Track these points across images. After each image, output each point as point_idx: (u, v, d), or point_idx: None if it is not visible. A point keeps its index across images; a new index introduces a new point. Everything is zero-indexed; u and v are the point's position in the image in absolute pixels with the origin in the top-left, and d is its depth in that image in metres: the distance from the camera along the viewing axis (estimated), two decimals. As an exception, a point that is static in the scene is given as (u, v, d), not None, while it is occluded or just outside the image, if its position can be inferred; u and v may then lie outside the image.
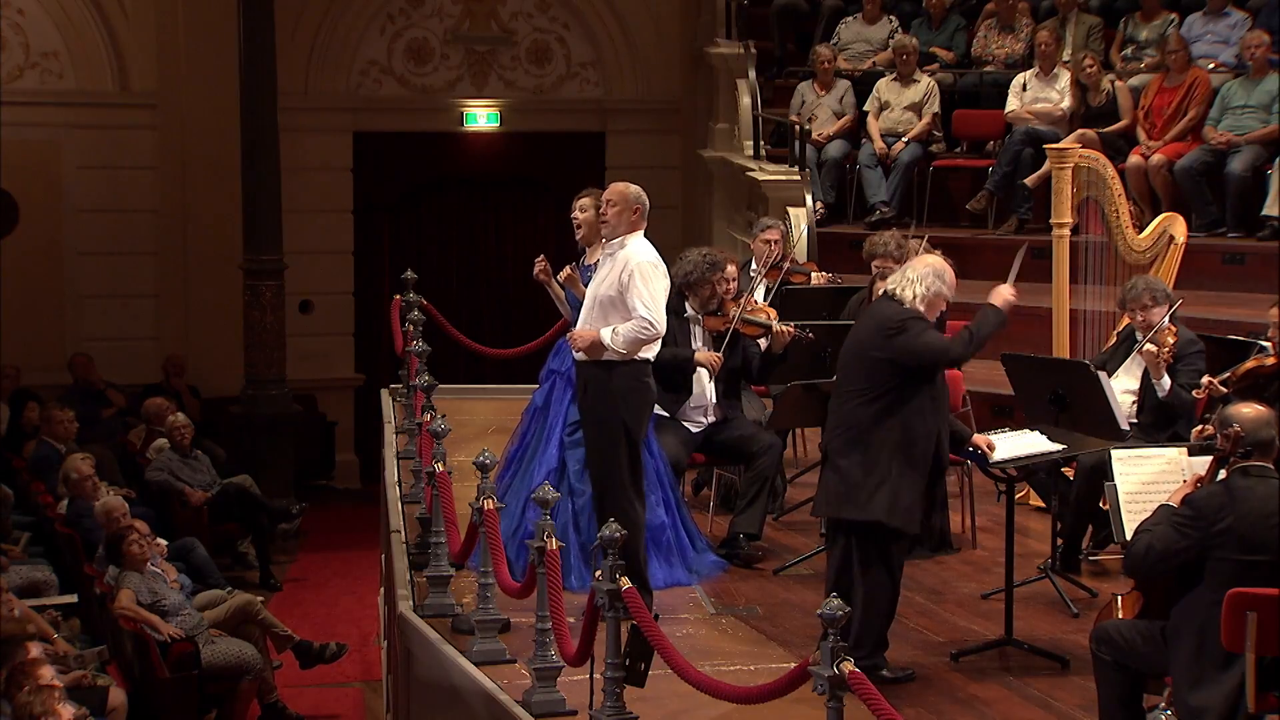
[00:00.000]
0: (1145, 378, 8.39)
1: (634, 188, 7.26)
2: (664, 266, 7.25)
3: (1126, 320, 8.75)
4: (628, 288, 7.05)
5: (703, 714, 6.14)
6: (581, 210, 7.76)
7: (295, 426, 15.09)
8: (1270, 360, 8.13)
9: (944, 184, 13.67)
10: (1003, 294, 7.01)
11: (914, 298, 6.73)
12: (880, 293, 6.97)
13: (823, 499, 6.97)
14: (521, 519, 7.86)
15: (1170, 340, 8.26)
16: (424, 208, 17.01)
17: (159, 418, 13.79)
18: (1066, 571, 8.16)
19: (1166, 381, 8.25)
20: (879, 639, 6.83)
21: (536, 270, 8.05)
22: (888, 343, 6.67)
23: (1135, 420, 8.32)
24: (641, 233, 7.23)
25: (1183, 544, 5.71)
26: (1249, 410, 5.85)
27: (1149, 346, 8.25)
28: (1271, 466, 5.80)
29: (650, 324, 7.03)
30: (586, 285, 7.51)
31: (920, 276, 6.78)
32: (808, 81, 14.19)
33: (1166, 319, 8.36)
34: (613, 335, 7.06)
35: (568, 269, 7.93)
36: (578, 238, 7.87)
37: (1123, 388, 8.36)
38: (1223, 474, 5.85)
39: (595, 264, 7.54)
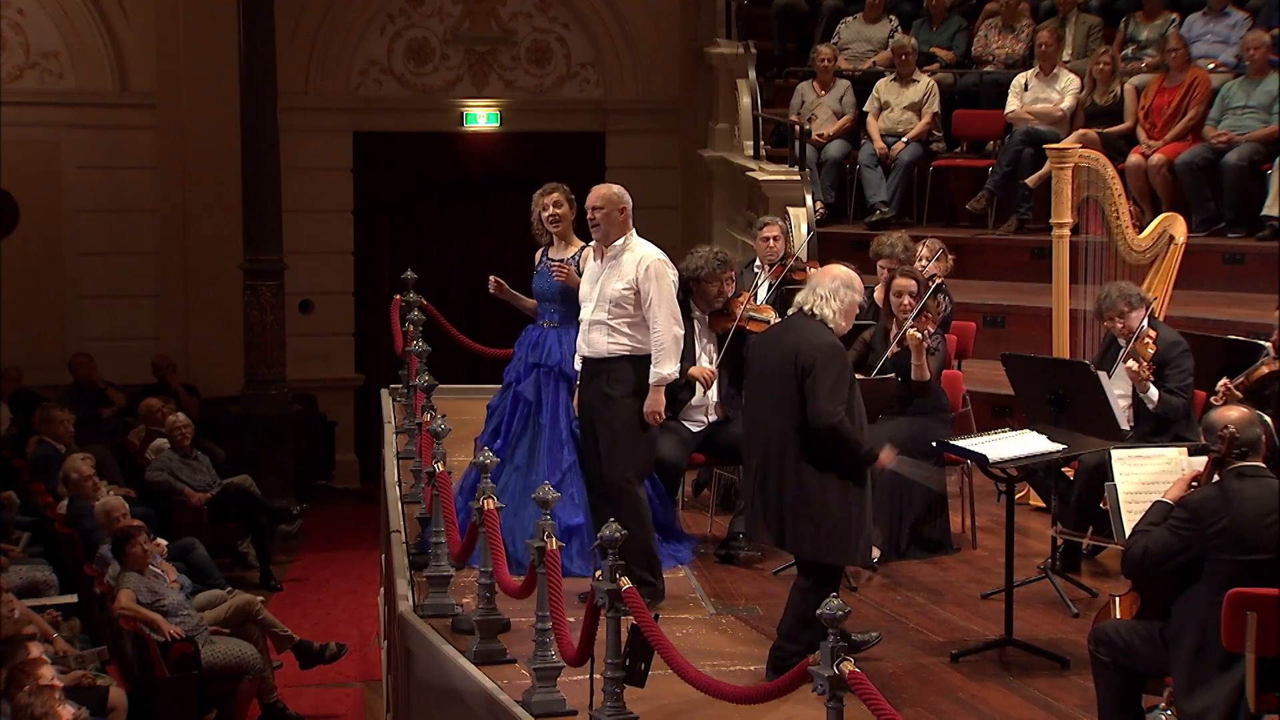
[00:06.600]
0: (1138, 385, 8.36)
1: (615, 188, 7.61)
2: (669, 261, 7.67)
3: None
4: (647, 290, 7.46)
5: (703, 714, 6.14)
6: (556, 205, 8.08)
7: (295, 426, 15.08)
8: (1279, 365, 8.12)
9: (944, 184, 13.67)
10: (885, 458, 6.80)
11: (833, 314, 6.76)
12: (795, 309, 6.91)
13: (788, 531, 6.70)
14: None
15: (1150, 351, 8.20)
16: (424, 208, 16.99)
17: (154, 419, 13.79)
18: (1066, 571, 8.16)
19: (1154, 393, 8.21)
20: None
21: (493, 289, 8.49)
22: (805, 374, 6.59)
23: (1133, 425, 8.30)
24: (634, 230, 7.60)
25: (1179, 546, 5.74)
26: (1235, 412, 5.91)
27: (1130, 364, 8.20)
28: (1265, 466, 5.82)
29: (677, 338, 7.54)
30: (545, 275, 8.03)
31: (833, 292, 6.79)
32: (808, 81, 14.19)
33: (1145, 323, 8.30)
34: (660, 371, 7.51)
35: (494, 280, 8.43)
36: (555, 231, 8.14)
37: (1115, 392, 8.32)
38: (1216, 476, 5.87)
39: (573, 256, 8.00)
